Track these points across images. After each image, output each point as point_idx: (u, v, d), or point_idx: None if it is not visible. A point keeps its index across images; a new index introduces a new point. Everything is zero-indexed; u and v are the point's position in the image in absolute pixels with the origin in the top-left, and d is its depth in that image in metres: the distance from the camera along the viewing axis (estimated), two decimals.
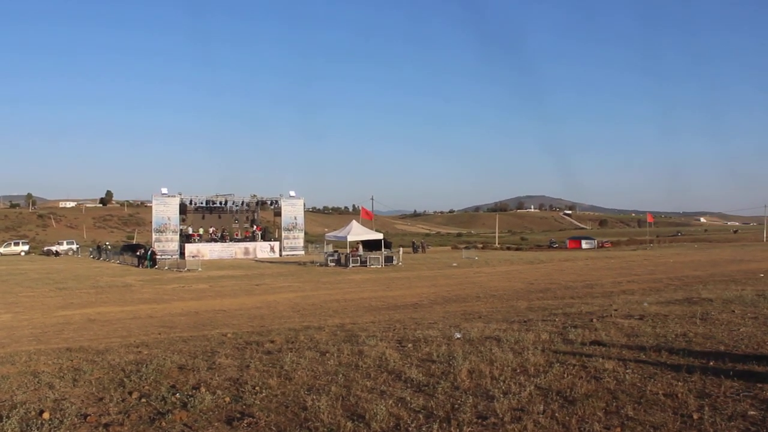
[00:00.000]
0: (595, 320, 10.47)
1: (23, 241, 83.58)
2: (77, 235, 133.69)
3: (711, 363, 6.65)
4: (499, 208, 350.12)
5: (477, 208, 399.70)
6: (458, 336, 9.24)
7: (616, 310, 12.32)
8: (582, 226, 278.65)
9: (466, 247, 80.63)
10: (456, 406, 5.51)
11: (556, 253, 63.99)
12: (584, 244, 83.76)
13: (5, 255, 68.08)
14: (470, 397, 5.73)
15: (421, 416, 5.30)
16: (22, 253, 70.01)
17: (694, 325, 9.38)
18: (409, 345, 8.64)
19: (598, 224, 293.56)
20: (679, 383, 5.89)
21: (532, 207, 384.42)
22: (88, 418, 5.63)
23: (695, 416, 4.96)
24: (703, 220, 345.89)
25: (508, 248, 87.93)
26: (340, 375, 6.83)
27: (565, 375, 6.38)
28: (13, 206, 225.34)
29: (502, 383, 6.15)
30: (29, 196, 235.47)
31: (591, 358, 7.09)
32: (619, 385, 5.89)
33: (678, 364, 6.63)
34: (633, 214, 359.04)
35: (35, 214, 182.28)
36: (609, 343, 7.97)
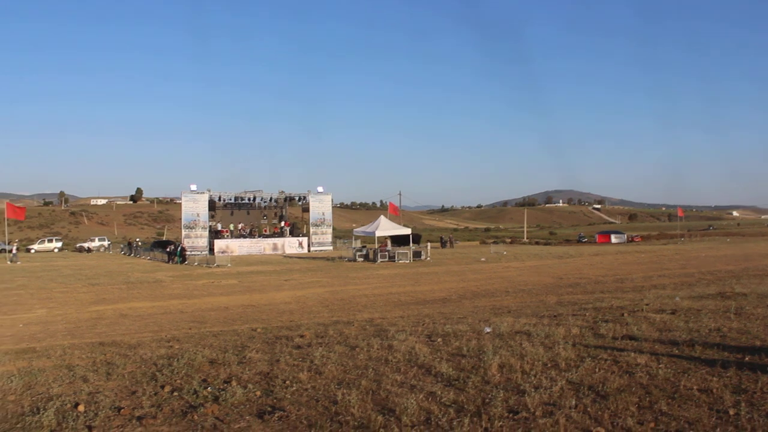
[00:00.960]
0: (626, 315, 10.35)
1: (56, 238, 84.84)
2: (108, 231, 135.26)
3: (746, 358, 6.54)
4: (528, 202, 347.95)
5: (505, 203, 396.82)
6: (488, 330, 9.20)
7: (647, 304, 12.17)
8: (611, 220, 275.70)
9: (494, 242, 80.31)
10: (487, 400, 5.49)
11: (585, 248, 63.32)
12: (614, 239, 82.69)
13: (39, 251, 69.16)
14: (501, 391, 5.70)
15: (451, 410, 5.29)
16: (56, 250, 71.01)
17: (728, 320, 9.23)
18: (439, 339, 8.62)
19: (627, 218, 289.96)
20: (714, 378, 5.80)
21: (561, 201, 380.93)
22: (122, 410, 5.72)
23: (731, 412, 4.88)
24: (735, 213, 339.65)
25: (537, 243, 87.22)
26: (370, 369, 6.84)
27: (597, 369, 6.33)
28: (46, 204, 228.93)
29: (533, 378, 6.12)
30: (62, 194, 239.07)
31: (623, 353, 7.01)
32: (652, 380, 5.83)
33: (712, 359, 6.53)
34: (663, 208, 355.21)
35: (68, 212, 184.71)
36: (641, 338, 7.88)
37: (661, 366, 6.31)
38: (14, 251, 51.76)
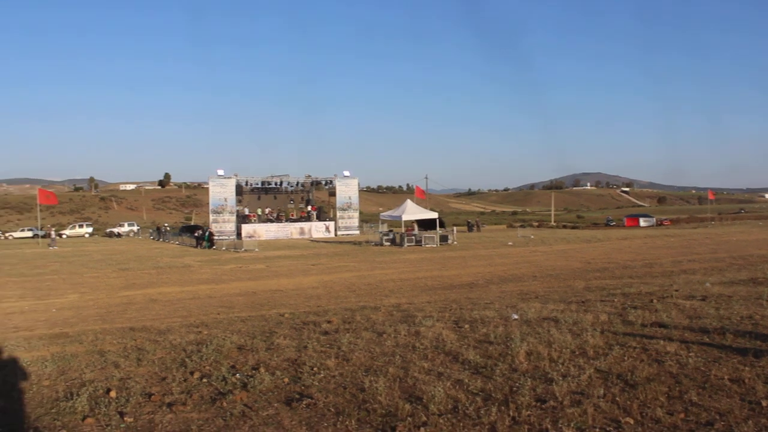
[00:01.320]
0: (655, 301, 10.26)
1: (87, 223, 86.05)
2: (137, 216, 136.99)
3: None
4: (555, 185, 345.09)
5: (532, 186, 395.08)
6: (515, 317, 9.18)
7: (677, 290, 12.05)
8: (640, 203, 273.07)
9: (521, 226, 79.99)
10: (514, 388, 5.48)
11: (613, 232, 62.79)
12: (642, 222, 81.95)
13: (71, 237, 70.25)
14: (528, 379, 5.69)
15: (479, 399, 5.30)
16: (86, 235, 72.13)
17: (761, 306, 9.10)
18: (466, 326, 8.62)
19: (656, 201, 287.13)
20: (746, 368, 5.73)
21: (588, 184, 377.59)
22: (153, 396, 5.80)
23: (764, 403, 4.82)
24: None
25: (564, 226, 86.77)
26: (398, 356, 6.86)
27: (626, 358, 6.29)
28: (76, 189, 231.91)
29: (560, 366, 6.10)
30: (91, 179, 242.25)
31: (652, 341, 6.96)
32: (682, 369, 5.78)
33: (744, 347, 6.45)
34: (693, 191, 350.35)
35: (97, 197, 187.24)
36: (670, 325, 7.80)
37: (691, 354, 6.25)
38: (53, 236, 53.32)
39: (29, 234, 70.20)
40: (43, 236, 64.27)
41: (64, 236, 70.86)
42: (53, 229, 66.97)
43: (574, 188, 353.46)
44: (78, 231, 73.56)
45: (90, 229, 75.55)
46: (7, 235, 73.44)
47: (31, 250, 45.14)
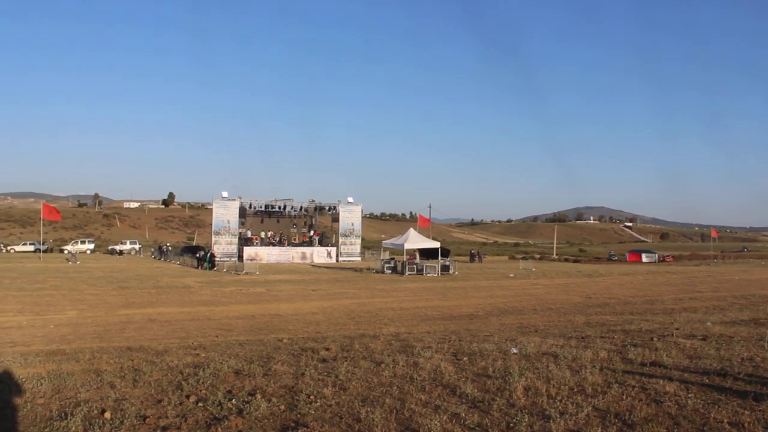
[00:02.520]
0: (655, 339, 10.21)
1: (89, 239, 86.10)
2: (140, 234, 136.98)
3: None
4: (558, 218, 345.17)
5: (535, 218, 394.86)
6: (514, 351, 9.13)
7: (677, 329, 12.00)
8: (642, 238, 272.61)
9: (523, 258, 79.79)
10: (511, 425, 5.44)
11: (615, 267, 62.67)
12: (645, 258, 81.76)
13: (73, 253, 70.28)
14: (526, 415, 5.65)
15: None
16: (88, 251, 72.07)
17: (762, 348, 9.05)
18: (465, 358, 8.57)
19: (659, 237, 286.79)
20: (746, 411, 5.67)
21: (592, 218, 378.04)
22: (147, 420, 5.76)
23: None
24: None
25: (566, 260, 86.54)
26: (395, 387, 6.82)
27: (624, 397, 6.24)
28: (80, 205, 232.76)
29: (558, 403, 6.06)
30: (96, 196, 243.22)
31: (651, 380, 6.91)
32: (681, 410, 5.73)
33: (744, 390, 6.40)
34: (696, 228, 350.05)
35: (101, 214, 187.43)
36: (670, 365, 7.75)
37: (690, 395, 6.20)
38: (74, 252, 54.49)
39: (31, 248, 70.21)
40: (45, 251, 64.33)
41: (66, 252, 70.90)
42: (73, 244, 67.82)
43: (577, 222, 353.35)
44: (80, 247, 73.53)
45: (92, 246, 75.55)
46: (8, 248, 73.45)
47: (32, 264, 45.14)
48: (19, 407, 6.19)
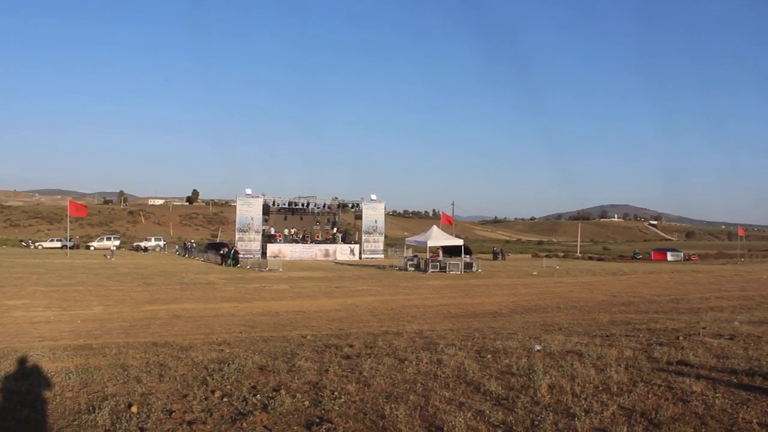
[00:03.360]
0: (681, 338, 10.10)
1: (115, 236, 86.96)
2: (164, 231, 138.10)
3: None
4: (582, 216, 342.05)
5: (559, 216, 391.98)
6: (538, 348, 9.09)
7: (704, 328, 11.87)
8: (668, 237, 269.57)
9: (546, 256, 79.23)
10: (536, 422, 5.42)
11: (640, 265, 62.10)
12: (670, 257, 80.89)
13: (98, 249, 71.03)
14: (551, 413, 5.62)
15: (499, 431, 5.24)
16: (113, 248, 72.83)
17: None
18: (489, 356, 8.55)
19: (684, 236, 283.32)
20: None
21: (616, 216, 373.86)
22: (173, 414, 5.81)
23: None
24: None
25: (590, 258, 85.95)
26: (419, 384, 6.82)
27: (650, 395, 6.19)
28: (106, 202, 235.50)
29: (583, 401, 6.02)
30: (121, 193, 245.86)
31: (678, 379, 6.84)
32: (708, 410, 5.66)
33: None
34: (723, 227, 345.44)
35: (126, 211, 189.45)
36: (697, 364, 7.66)
37: (718, 395, 6.12)
38: (113, 248, 56.36)
39: (58, 244, 71.05)
40: (71, 247, 65.09)
41: (92, 248, 71.70)
42: (113, 240, 69.08)
43: (601, 220, 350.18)
44: (105, 244, 74.29)
45: (117, 242, 76.31)
46: (36, 244, 74.41)
47: (59, 260, 45.68)
48: (48, 400, 6.28)
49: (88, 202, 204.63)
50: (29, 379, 7.35)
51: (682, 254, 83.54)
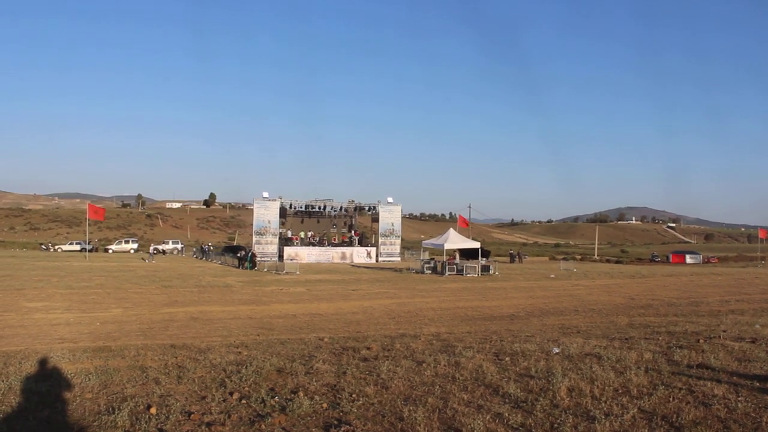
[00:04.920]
0: (701, 341, 10.00)
1: (133, 239, 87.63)
2: (182, 234, 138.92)
3: None
4: (599, 219, 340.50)
5: (576, 219, 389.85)
6: (556, 351, 9.04)
7: (724, 331, 11.75)
8: (686, 239, 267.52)
9: (564, 259, 78.95)
10: (555, 425, 5.39)
11: (658, 268, 61.67)
12: (689, 259, 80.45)
13: (117, 252, 71.60)
14: (570, 416, 5.59)
15: None
16: (132, 251, 73.34)
17: None
18: (507, 358, 8.51)
19: (703, 238, 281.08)
20: None
21: (634, 218, 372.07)
22: (192, 415, 5.84)
23: None
24: None
25: (608, 261, 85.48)
26: (437, 386, 6.80)
27: (671, 399, 6.13)
28: (124, 206, 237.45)
29: (603, 404, 5.98)
30: (139, 196, 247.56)
31: (699, 382, 6.77)
32: (731, 414, 5.60)
33: None
34: (743, 229, 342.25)
35: (144, 214, 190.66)
36: (718, 368, 7.58)
37: (740, 399, 6.05)
38: (152, 251, 58.38)
39: (77, 247, 71.67)
40: (90, 250, 65.64)
41: (110, 251, 72.29)
42: (117, 243, 70.00)
43: (619, 222, 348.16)
44: (124, 246, 74.93)
45: (135, 245, 76.87)
46: (56, 247, 75.10)
47: (78, 263, 46.03)
48: (68, 401, 6.33)
49: (107, 206, 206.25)
50: (50, 380, 7.42)
51: (701, 257, 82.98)
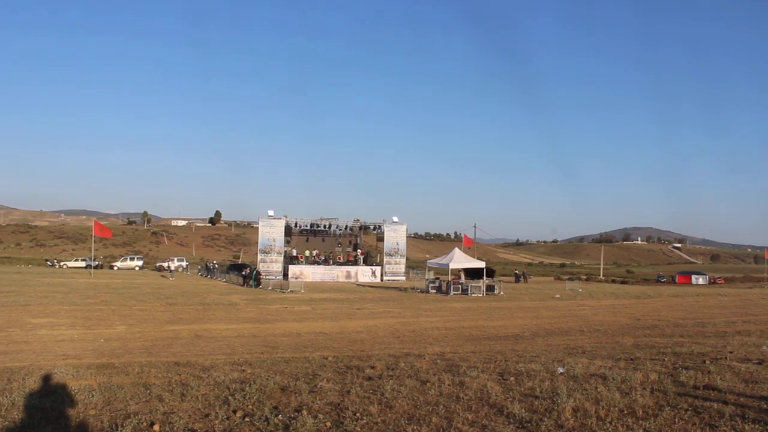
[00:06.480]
0: (708, 362, 9.93)
1: (138, 256, 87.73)
2: (186, 252, 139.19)
3: None
4: (605, 239, 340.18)
5: (581, 239, 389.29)
6: (561, 371, 9.00)
7: (731, 352, 11.67)
8: (692, 260, 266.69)
9: (569, 279, 78.74)
10: None
11: (664, 288, 61.40)
12: (694, 280, 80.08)
13: (122, 269, 71.66)
14: None
15: None
16: (137, 268, 73.41)
17: None
18: (511, 378, 8.48)
19: (709, 259, 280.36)
20: None
21: (639, 239, 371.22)
22: None
23: None
24: None
25: (614, 281, 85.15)
26: (441, 406, 6.77)
27: (677, 420, 6.09)
28: (130, 223, 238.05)
29: (608, 424, 5.94)
30: (145, 213, 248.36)
31: (705, 403, 6.72)
32: None
33: None
34: (749, 249, 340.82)
35: (149, 231, 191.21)
36: (725, 389, 7.52)
37: (747, 422, 5.98)
38: (173, 268, 58.65)
39: (82, 264, 71.75)
40: (95, 267, 65.78)
41: (115, 268, 72.36)
42: (122, 260, 70.53)
43: (625, 242, 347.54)
44: (129, 264, 74.98)
45: (140, 262, 76.92)
46: (61, 264, 75.21)
47: (83, 279, 46.09)
48: (71, 417, 6.32)
49: (112, 223, 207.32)
50: (53, 396, 7.41)
51: (707, 277, 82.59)
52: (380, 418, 6.30)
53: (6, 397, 7.21)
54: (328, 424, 6.10)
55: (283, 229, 56.54)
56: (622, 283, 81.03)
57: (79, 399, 7.20)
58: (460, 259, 42.94)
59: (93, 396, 7.36)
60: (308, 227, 59.79)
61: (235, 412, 6.61)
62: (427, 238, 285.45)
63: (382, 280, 58.51)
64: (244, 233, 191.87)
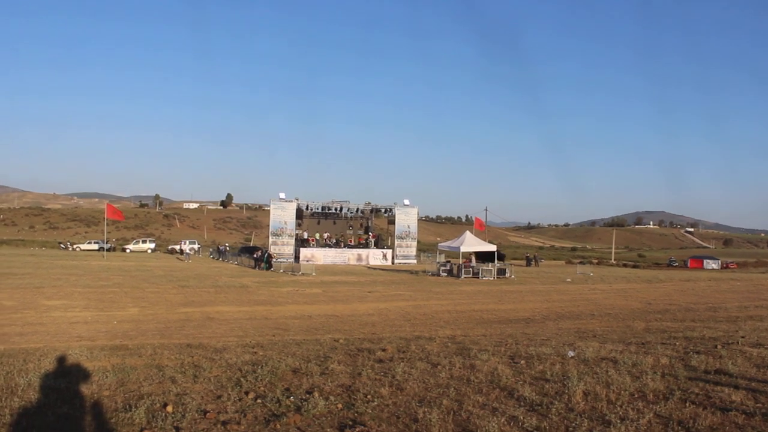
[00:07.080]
0: (719, 347, 9.91)
1: (150, 239, 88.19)
2: (198, 235, 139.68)
3: None
4: (617, 223, 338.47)
5: (593, 223, 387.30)
6: (572, 355, 9.01)
7: (743, 337, 11.63)
8: (705, 244, 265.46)
9: (580, 263, 78.50)
10: (570, 428, 5.37)
11: (676, 273, 61.15)
12: (707, 264, 79.70)
13: (134, 251, 72.08)
14: (585, 420, 5.57)
15: None
16: (149, 251, 73.81)
17: None
18: (522, 362, 8.49)
19: (722, 243, 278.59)
20: None
21: (651, 223, 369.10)
22: (208, 414, 5.87)
23: None
24: None
25: (625, 265, 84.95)
26: (452, 388, 6.79)
27: (687, 404, 6.08)
28: (142, 206, 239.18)
29: (619, 408, 5.94)
30: (157, 196, 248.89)
31: (716, 388, 6.70)
32: (749, 420, 5.54)
33: None
34: (762, 234, 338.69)
35: (161, 214, 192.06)
36: (736, 374, 7.49)
37: (759, 405, 5.97)
38: (188, 251, 59.87)
39: (95, 246, 72.20)
40: (108, 249, 66.16)
41: (128, 250, 72.78)
42: (135, 243, 71.09)
43: (637, 226, 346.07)
44: (141, 246, 75.43)
45: (153, 245, 77.33)
46: (74, 246, 75.72)
47: (96, 262, 46.36)
48: (86, 398, 6.39)
49: (125, 206, 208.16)
50: (68, 377, 7.49)
51: (719, 262, 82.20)
52: (391, 400, 6.33)
53: (22, 377, 7.29)
54: (340, 405, 6.13)
55: (294, 211, 56.60)
56: (634, 267, 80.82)
57: (93, 380, 7.28)
58: (471, 243, 42.88)
59: (107, 377, 7.43)
60: (319, 210, 59.82)
61: (247, 393, 6.66)
62: (438, 221, 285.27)
63: (393, 263, 58.55)
64: (256, 216, 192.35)
